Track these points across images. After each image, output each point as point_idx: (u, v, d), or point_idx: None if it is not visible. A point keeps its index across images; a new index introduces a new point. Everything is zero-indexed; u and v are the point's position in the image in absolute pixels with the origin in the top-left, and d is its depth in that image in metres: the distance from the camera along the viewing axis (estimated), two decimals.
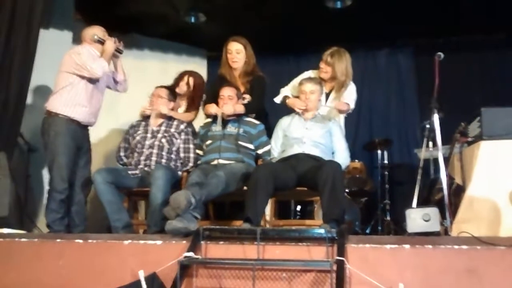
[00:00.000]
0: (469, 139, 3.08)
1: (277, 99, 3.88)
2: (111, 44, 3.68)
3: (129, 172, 3.58)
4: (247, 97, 3.79)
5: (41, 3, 4.01)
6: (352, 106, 3.83)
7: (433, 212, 2.51)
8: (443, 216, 2.82)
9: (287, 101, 3.76)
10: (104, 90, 3.85)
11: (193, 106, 4.13)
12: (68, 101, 3.53)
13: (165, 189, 3.30)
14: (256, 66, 3.95)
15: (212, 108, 3.69)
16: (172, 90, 3.96)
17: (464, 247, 2.28)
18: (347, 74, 3.79)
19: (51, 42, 4.38)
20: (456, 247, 2.29)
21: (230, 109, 3.63)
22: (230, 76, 3.89)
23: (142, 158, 3.64)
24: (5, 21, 3.87)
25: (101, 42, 3.66)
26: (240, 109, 3.70)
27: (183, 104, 4.17)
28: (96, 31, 3.71)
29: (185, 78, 4.17)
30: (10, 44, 3.84)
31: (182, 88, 4.14)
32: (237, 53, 3.86)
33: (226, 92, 3.68)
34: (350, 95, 3.81)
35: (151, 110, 3.81)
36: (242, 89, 3.85)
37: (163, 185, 3.30)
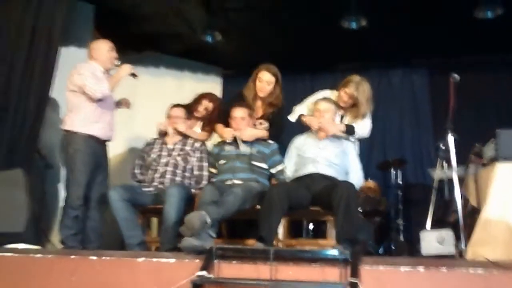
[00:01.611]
0: (484, 161, 3.05)
1: (292, 118, 3.88)
2: (125, 70, 3.72)
3: (144, 189, 3.61)
4: (264, 124, 3.79)
5: (61, 21, 4.10)
6: (366, 135, 3.82)
7: (448, 234, 2.50)
8: (457, 238, 2.79)
9: (303, 118, 3.77)
10: (113, 102, 3.87)
11: (208, 127, 4.15)
12: (84, 119, 3.57)
13: (178, 206, 3.32)
14: (281, 96, 3.90)
15: (228, 134, 3.68)
16: (187, 108, 4.00)
17: (480, 271, 2.25)
18: (368, 106, 3.76)
19: (70, 59, 4.43)
20: (471, 271, 2.26)
21: (248, 135, 3.64)
22: (252, 100, 3.87)
23: (157, 175, 3.67)
24: (26, 38, 3.96)
25: (118, 66, 3.73)
26: (263, 134, 3.72)
27: (198, 124, 4.20)
28: (105, 45, 3.73)
29: (204, 102, 4.17)
30: (30, 61, 3.92)
31: (200, 112, 4.16)
32: (267, 84, 3.82)
33: (238, 113, 3.67)
34: (362, 128, 3.77)
35: (169, 129, 3.84)
36: (260, 112, 3.85)
37: (176, 203, 3.32)
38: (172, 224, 3.26)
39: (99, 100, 3.60)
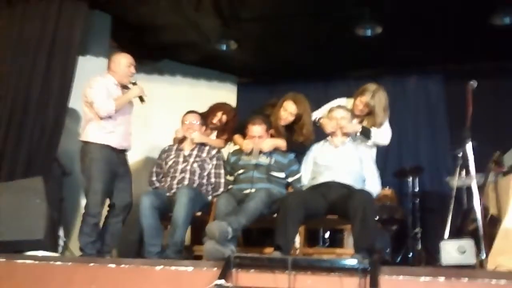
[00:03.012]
0: (505, 169, 3.02)
1: None
2: (136, 91, 3.75)
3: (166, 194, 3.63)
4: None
5: (80, 31, 4.18)
6: (385, 143, 3.82)
7: (468, 244, 2.47)
8: (477, 248, 2.75)
9: (320, 121, 3.76)
10: (130, 114, 3.90)
11: (223, 136, 4.19)
12: (98, 130, 3.62)
13: (187, 207, 3.30)
14: (312, 133, 3.80)
15: (247, 147, 3.66)
16: (202, 117, 4.03)
17: (503, 281, 2.21)
18: (385, 115, 3.75)
19: (88, 68, 4.50)
20: (494, 281, 2.22)
21: (268, 145, 3.65)
22: (276, 125, 3.81)
23: (175, 182, 3.69)
24: (45, 48, 4.04)
25: (134, 84, 3.78)
26: (281, 143, 3.71)
27: (213, 133, 4.24)
28: (125, 60, 3.77)
29: (219, 114, 4.20)
30: (50, 71, 4.00)
31: (215, 124, 4.21)
32: (290, 115, 3.77)
33: (256, 131, 3.64)
34: (383, 135, 3.76)
35: (185, 136, 3.87)
36: (278, 135, 3.80)
37: (186, 203, 3.31)
38: (180, 224, 3.25)
39: (108, 117, 3.63)
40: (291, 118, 3.78)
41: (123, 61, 3.76)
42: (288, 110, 3.76)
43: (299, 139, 3.77)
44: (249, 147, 3.65)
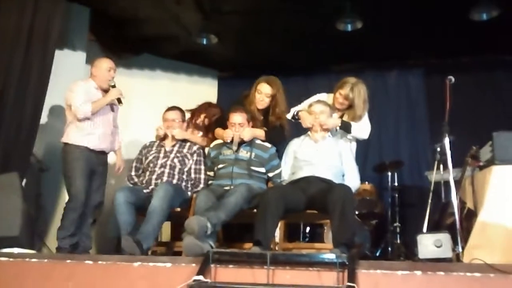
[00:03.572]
0: (481, 163, 3.05)
1: (289, 115, 3.89)
2: (114, 93, 3.81)
3: (144, 190, 3.60)
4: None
5: (58, 24, 4.12)
6: (364, 137, 3.81)
7: (445, 238, 2.49)
8: (454, 241, 2.78)
9: (299, 113, 3.77)
10: (111, 116, 3.92)
11: (207, 135, 4.19)
12: (77, 132, 3.72)
13: (164, 201, 3.26)
14: (284, 112, 3.85)
15: (228, 135, 3.63)
16: (190, 112, 4.05)
17: (477, 274, 2.25)
18: (364, 108, 3.76)
19: (65, 62, 4.46)
20: (468, 274, 2.26)
21: (249, 134, 3.63)
22: (252, 111, 3.82)
23: (154, 177, 3.65)
24: (23, 42, 3.96)
25: (113, 87, 3.83)
26: (261, 133, 3.72)
27: (199, 132, 4.23)
28: (105, 64, 3.83)
29: (202, 117, 4.25)
30: (27, 65, 3.94)
31: (198, 125, 4.24)
32: (266, 96, 3.80)
33: (237, 119, 3.64)
34: (361, 129, 3.76)
35: (167, 134, 3.85)
36: (254, 121, 3.79)
37: (163, 197, 3.28)
38: (153, 215, 3.20)
39: (86, 118, 3.71)
40: (267, 100, 3.81)
41: (104, 65, 3.85)
42: (263, 92, 3.80)
43: (272, 119, 3.81)
44: (230, 135, 3.63)
